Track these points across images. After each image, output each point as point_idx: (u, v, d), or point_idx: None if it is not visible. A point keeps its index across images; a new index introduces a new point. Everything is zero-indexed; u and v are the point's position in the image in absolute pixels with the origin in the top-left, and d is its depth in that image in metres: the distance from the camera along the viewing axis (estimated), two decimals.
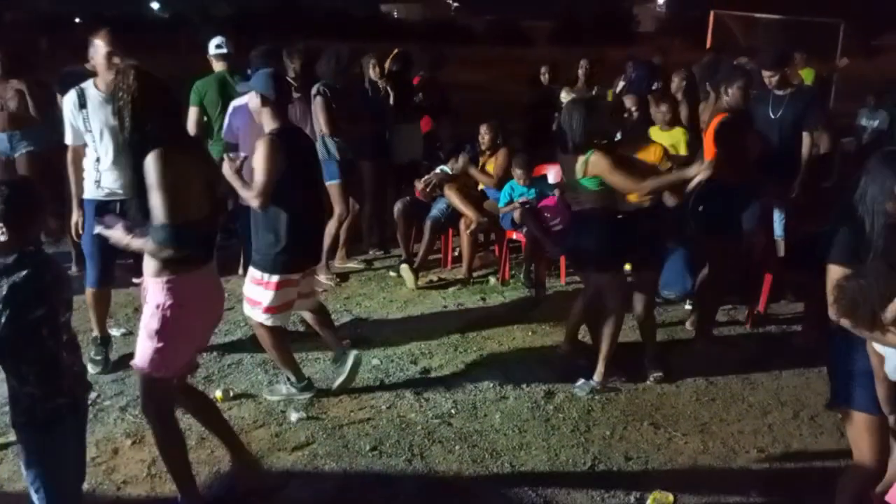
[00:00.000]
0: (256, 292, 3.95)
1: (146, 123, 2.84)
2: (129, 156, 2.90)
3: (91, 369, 4.23)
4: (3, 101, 5.96)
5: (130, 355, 4.35)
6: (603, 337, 4.31)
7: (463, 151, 6.30)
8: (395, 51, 7.05)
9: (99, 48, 4.05)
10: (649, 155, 4.42)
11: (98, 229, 3.08)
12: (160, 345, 2.96)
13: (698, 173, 4.00)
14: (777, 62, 5.44)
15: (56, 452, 2.52)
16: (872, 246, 2.60)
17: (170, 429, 3.13)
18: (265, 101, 3.84)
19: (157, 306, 2.91)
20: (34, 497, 2.54)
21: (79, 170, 4.25)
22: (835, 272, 2.69)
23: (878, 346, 2.64)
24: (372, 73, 6.51)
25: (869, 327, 2.58)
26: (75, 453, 2.62)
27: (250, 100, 3.98)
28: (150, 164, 2.79)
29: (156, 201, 2.79)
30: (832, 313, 2.71)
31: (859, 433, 2.83)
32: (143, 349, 2.99)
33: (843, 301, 2.62)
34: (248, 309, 4.05)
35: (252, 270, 3.98)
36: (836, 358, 2.88)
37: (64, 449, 2.54)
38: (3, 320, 2.28)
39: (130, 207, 2.93)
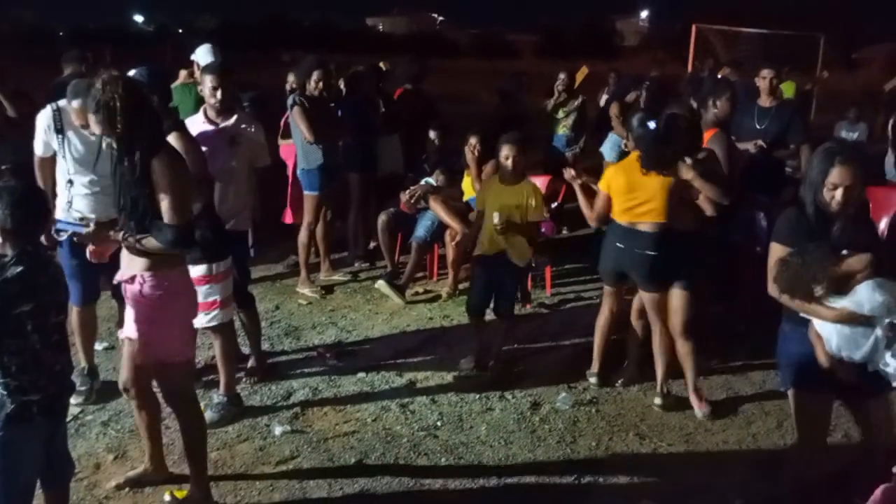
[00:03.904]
0: (206, 292, 3.85)
1: (136, 129, 2.87)
2: (125, 161, 2.88)
3: (73, 399, 4.11)
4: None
5: (114, 383, 4.32)
6: (659, 356, 4.30)
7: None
8: (373, 64, 7.15)
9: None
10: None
11: (85, 245, 3.01)
12: (176, 330, 3.12)
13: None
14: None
15: (15, 449, 2.56)
16: (813, 229, 2.85)
17: (198, 407, 3.28)
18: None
19: (163, 297, 3.00)
20: None
21: (47, 181, 4.01)
22: (776, 250, 2.93)
23: (817, 327, 2.83)
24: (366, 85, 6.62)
25: (806, 300, 2.81)
26: (37, 456, 2.63)
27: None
28: (162, 167, 2.87)
29: (172, 202, 2.88)
30: (771, 288, 2.94)
31: (800, 412, 3.03)
32: (161, 341, 3.06)
33: (784, 275, 2.85)
34: (201, 318, 3.79)
35: (194, 270, 3.67)
36: (779, 345, 3.09)
37: (24, 448, 2.59)
38: None
39: (126, 211, 2.94)
